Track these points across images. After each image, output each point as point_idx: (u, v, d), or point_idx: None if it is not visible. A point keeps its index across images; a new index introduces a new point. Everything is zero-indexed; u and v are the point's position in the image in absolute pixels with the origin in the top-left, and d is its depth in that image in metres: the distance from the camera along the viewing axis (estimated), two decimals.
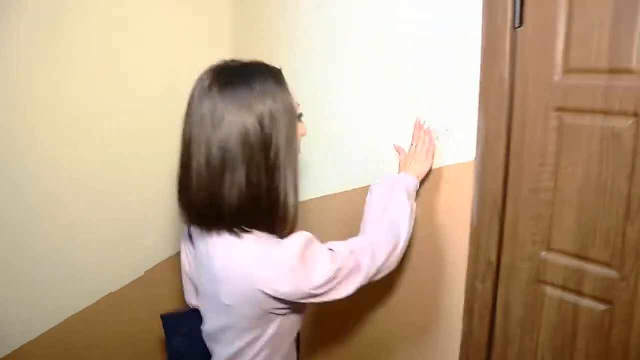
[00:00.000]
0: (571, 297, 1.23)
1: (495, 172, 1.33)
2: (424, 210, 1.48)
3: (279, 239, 1.07)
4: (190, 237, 1.24)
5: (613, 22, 1.08)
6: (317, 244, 1.09)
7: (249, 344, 1.11)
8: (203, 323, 1.19)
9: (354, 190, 1.68)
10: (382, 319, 1.71)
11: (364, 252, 1.13)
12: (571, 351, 1.25)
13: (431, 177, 1.46)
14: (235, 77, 1.02)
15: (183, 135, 1.05)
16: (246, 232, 1.05)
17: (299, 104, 1.09)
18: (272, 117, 1.00)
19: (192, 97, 1.03)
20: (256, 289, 1.02)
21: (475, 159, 1.36)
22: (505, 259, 1.35)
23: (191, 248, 1.26)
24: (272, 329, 1.11)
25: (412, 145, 1.46)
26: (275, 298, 1.04)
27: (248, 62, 1.07)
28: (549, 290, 1.27)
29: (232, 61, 1.07)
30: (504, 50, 1.25)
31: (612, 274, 1.15)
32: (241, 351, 1.11)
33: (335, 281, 1.06)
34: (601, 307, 1.18)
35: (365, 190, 1.41)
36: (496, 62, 1.27)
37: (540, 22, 1.19)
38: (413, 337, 1.62)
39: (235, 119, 0.98)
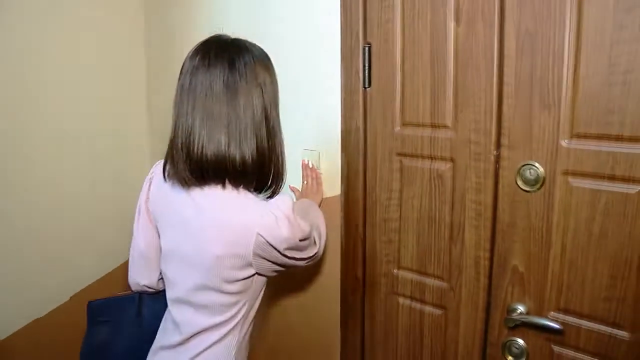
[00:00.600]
0: (417, 305, 1.52)
1: (356, 204, 1.59)
2: None
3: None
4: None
5: (431, 89, 1.36)
6: None
7: (228, 307, 1.20)
8: (170, 290, 1.26)
9: None
10: (279, 324, 1.94)
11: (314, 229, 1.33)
12: (420, 348, 1.53)
13: None
14: (234, 47, 1.16)
15: (180, 105, 1.14)
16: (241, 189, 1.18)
17: None
18: (269, 86, 1.17)
19: (192, 67, 1.13)
20: (256, 234, 1.11)
21: (341, 193, 1.62)
22: (368, 276, 1.62)
23: (149, 224, 1.33)
24: (246, 296, 1.21)
25: (303, 182, 1.69)
26: (269, 244, 1.13)
27: (237, 38, 1.20)
28: (401, 300, 1.55)
29: (224, 35, 1.20)
30: (358, 105, 1.52)
31: (444, 285, 1.44)
32: (218, 312, 1.20)
33: (308, 241, 1.24)
34: (438, 311, 1.47)
35: None
36: (353, 115, 1.53)
37: (382, 84, 1.46)
38: (301, 342, 1.86)
39: (243, 89, 1.11)
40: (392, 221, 1.52)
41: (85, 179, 2.05)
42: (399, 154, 1.47)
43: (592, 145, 1.14)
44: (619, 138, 1.10)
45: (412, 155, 1.45)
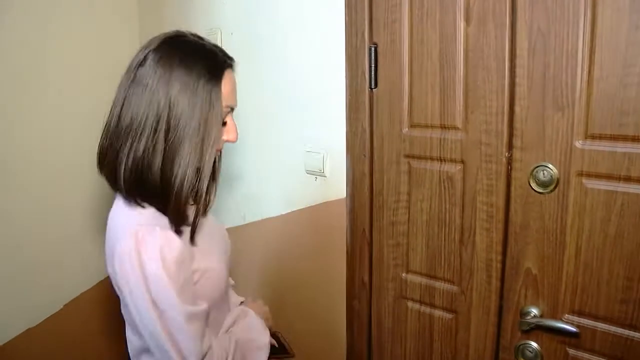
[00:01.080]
0: (427, 309, 1.50)
1: (362, 207, 1.57)
2: (309, 241, 1.70)
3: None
4: None
5: (440, 90, 1.34)
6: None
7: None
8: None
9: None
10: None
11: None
12: (430, 353, 1.51)
13: (314, 211, 1.68)
14: (178, 52, 1.02)
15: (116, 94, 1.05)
16: (138, 204, 1.04)
17: (231, 108, 1.10)
18: (185, 103, 1.00)
19: (135, 59, 1.05)
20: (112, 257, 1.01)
21: (347, 196, 1.60)
22: (375, 280, 1.60)
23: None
24: None
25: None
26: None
27: (198, 42, 1.07)
28: (410, 304, 1.53)
29: (182, 36, 1.08)
30: (364, 106, 1.49)
31: (454, 288, 1.43)
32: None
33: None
34: (449, 315, 1.45)
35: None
36: (358, 116, 1.51)
37: (389, 85, 1.44)
38: (306, 349, 1.83)
39: (152, 92, 0.99)
40: (400, 224, 1.50)
41: (82, 182, 2.00)
42: (407, 156, 1.45)
43: (606, 147, 1.12)
44: (634, 139, 1.09)
45: (420, 157, 1.43)
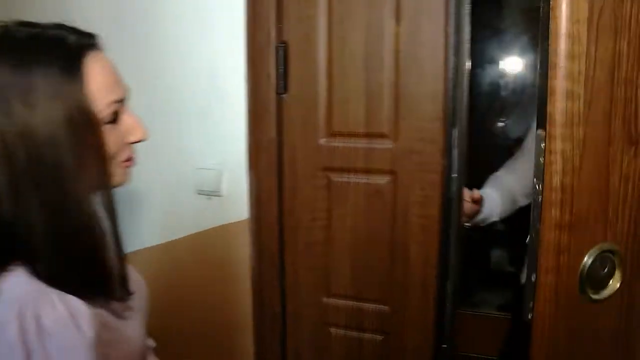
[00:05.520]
0: (354, 334, 1.37)
1: (270, 229, 1.37)
2: (203, 272, 1.46)
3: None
4: None
5: (366, 94, 1.21)
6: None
7: None
8: None
9: None
10: None
11: None
12: None
13: (208, 236, 1.44)
14: (6, 57, 0.70)
15: None
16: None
17: (119, 100, 0.75)
18: (38, 126, 0.69)
19: None
20: None
21: (250, 217, 1.38)
22: (290, 308, 1.42)
23: None
24: None
25: None
26: None
27: (32, 32, 0.73)
28: (334, 330, 1.39)
29: (19, 26, 0.73)
30: (271, 114, 1.30)
31: (385, 308, 1.32)
32: None
33: None
34: (379, 337, 1.34)
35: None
36: (263, 126, 1.31)
37: (303, 90, 1.27)
38: None
39: None
40: (318, 245, 1.34)
41: None
42: (326, 169, 1.29)
43: None
44: None
45: (342, 170, 1.28)
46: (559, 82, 0.73)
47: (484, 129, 2.34)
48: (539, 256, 0.75)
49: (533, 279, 0.77)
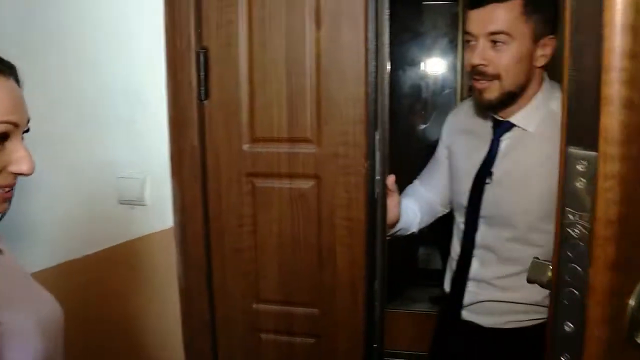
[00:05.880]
0: (285, 338, 1.36)
1: (195, 236, 1.35)
2: (129, 283, 1.41)
3: None
4: None
5: (288, 99, 1.21)
6: None
7: None
8: None
9: None
10: None
11: None
12: None
13: (132, 247, 1.40)
14: None
15: None
16: None
17: (13, 124, 0.71)
18: None
19: None
20: None
21: (174, 225, 1.35)
22: (219, 315, 1.40)
23: None
24: None
25: None
26: None
27: None
28: (264, 336, 1.38)
29: None
30: (192, 121, 1.27)
31: (315, 311, 1.32)
32: None
33: None
34: (310, 340, 1.35)
35: None
36: (186, 133, 1.28)
37: (225, 96, 1.25)
38: None
39: None
40: (246, 251, 1.33)
41: None
42: (250, 175, 1.29)
43: None
44: None
45: (266, 175, 1.28)
46: (616, 89, 0.54)
47: (407, 130, 2.39)
48: (588, 305, 0.58)
49: (568, 329, 0.60)
